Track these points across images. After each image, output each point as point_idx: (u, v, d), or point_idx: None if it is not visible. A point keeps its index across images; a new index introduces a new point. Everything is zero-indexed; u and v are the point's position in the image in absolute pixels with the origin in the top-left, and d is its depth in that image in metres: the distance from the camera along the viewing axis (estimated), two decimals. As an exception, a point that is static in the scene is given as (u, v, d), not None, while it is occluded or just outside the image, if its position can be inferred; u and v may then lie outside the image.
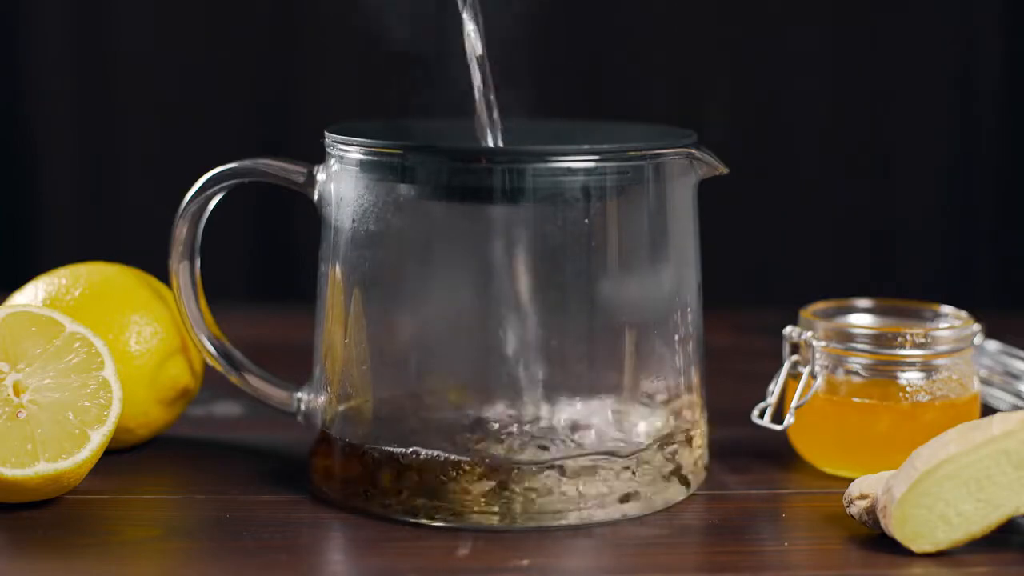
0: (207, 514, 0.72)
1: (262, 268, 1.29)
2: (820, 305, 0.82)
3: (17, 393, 0.71)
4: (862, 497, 0.69)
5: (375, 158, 0.72)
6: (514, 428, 0.74)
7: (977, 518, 0.67)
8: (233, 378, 0.78)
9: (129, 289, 0.80)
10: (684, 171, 0.73)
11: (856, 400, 0.77)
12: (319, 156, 0.75)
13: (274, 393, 0.78)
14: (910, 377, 0.77)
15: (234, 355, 0.78)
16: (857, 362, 0.77)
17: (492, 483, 0.70)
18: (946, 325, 0.80)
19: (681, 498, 0.74)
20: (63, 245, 1.27)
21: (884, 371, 0.77)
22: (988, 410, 0.81)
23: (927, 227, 1.29)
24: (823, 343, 0.78)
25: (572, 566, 0.68)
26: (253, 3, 1.26)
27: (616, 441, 0.73)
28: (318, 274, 0.76)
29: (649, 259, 0.73)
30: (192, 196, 0.76)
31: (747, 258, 1.28)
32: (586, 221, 0.71)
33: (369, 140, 0.72)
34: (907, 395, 0.77)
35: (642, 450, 0.72)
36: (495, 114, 0.75)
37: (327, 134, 0.74)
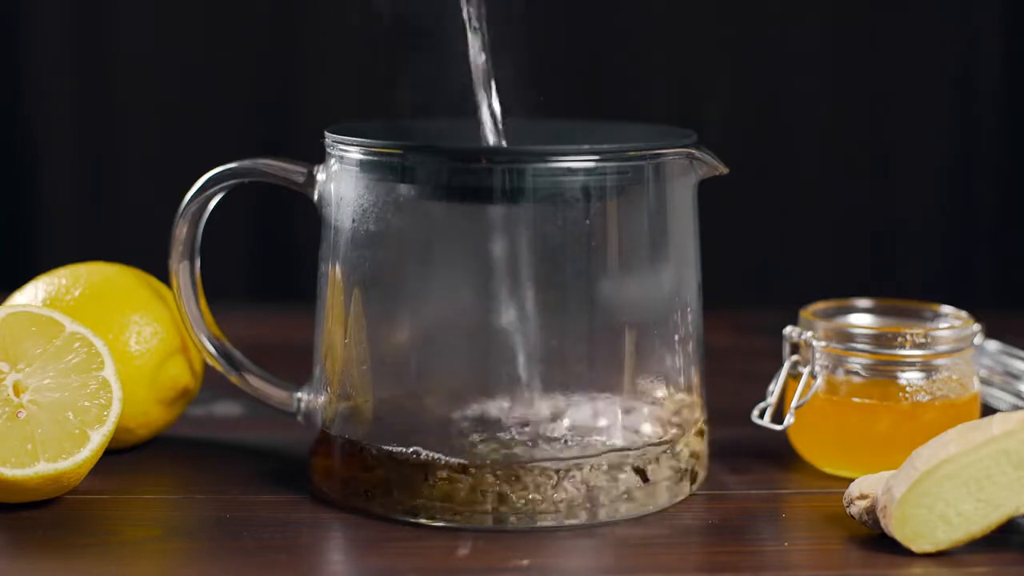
0: (207, 514, 0.72)
1: (262, 268, 1.29)
2: (820, 305, 0.82)
3: (17, 393, 0.71)
4: (862, 497, 0.69)
5: (375, 158, 0.72)
6: (514, 428, 0.74)
7: (977, 518, 0.67)
8: (233, 378, 0.78)
9: (129, 289, 0.80)
10: (684, 171, 0.73)
11: (856, 400, 0.77)
12: (319, 156, 0.75)
13: (274, 393, 0.78)
14: (910, 377, 0.77)
15: (234, 355, 0.78)
16: (857, 362, 0.77)
17: (492, 483, 0.70)
18: (946, 325, 0.80)
19: (681, 498, 0.74)
20: (63, 245, 1.27)
21: (884, 371, 0.77)
22: (988, 410, 0.81)
23: (927, 227, 1.29)
24: (823, 343, 0.78)
25: (572, 566, 0.68)
26: (253, 3, 1.26)
27: (616, 441, 0.73)
28: (318, 274, 0.76)
29: (649, 259, 0.73)
30: (192, 196, 0.76)
31: (747, 258, 1.28)
32: (586, 221, 0.71)
33: (369, 140, 0.72)
34: (907, 395, 0.77)
35: (642, 450, 0.72)
36: (497, 114, 0.75)
37: (327, 134, 0.74)
